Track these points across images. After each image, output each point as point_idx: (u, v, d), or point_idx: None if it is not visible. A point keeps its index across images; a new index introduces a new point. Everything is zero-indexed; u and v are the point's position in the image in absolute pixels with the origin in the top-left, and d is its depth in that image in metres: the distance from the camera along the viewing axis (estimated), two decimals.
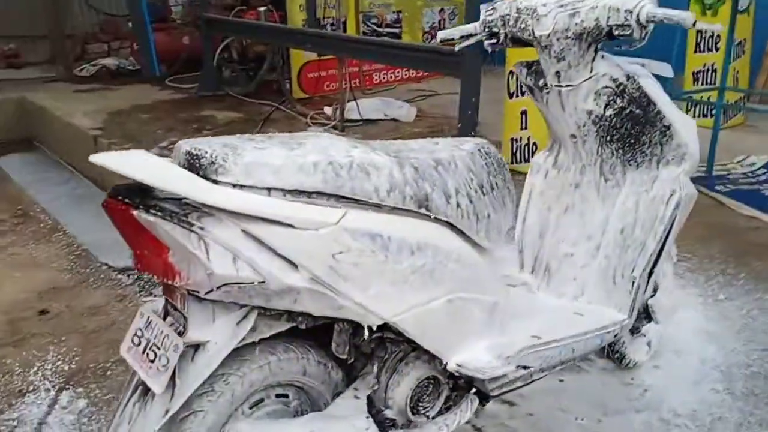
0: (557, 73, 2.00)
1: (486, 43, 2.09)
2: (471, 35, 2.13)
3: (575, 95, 2.01)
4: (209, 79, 7.09)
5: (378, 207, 1.50)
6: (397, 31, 7.56)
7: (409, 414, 1.71)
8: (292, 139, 1.54)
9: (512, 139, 4.68)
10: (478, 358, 1.70)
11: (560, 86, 2.02)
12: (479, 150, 1.79)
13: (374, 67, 7.08)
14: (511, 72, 4.59)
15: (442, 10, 7.76)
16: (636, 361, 2.44)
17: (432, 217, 1.60)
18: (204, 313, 1.41)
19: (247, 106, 6.58)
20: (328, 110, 6.13)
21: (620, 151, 2.09)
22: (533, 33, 1.96)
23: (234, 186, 1.35)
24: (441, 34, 2.19)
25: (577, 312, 2.11)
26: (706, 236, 3.54)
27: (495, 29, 2.05)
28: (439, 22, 7.77)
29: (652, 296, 2.31)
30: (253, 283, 1.34)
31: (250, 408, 1.60)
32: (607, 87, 1.99)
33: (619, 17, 1.84)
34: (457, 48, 2.18)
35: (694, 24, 1.83)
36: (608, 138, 2.07)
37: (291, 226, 1.35)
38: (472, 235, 1.69)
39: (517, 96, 4.59)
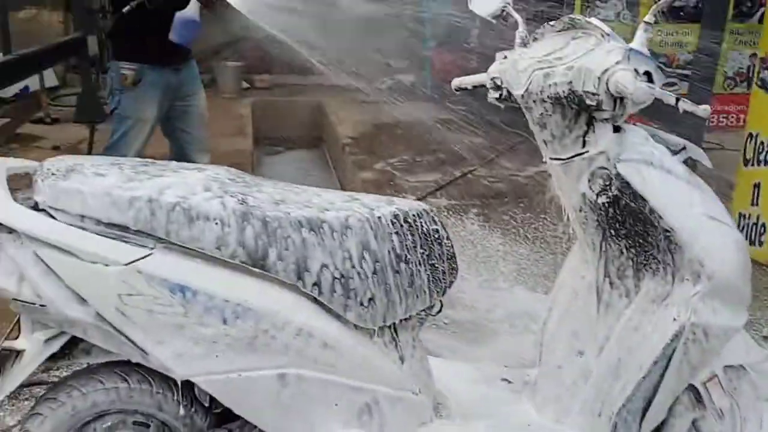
0: (544, 141, 1.65)
1: (489, 96, 1.78)
2: (483, 86, 1.84)
3: (566, 172, 1.64)
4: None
5: (210, 257, 1.41)
6: (689, 73, 6.75)
7: None
8: (171, 170, 1.53)
9: (740, 215, 3.91)
10: None
11: (550, 159, 1.66)
12: (395, 217, 1.56)
13: None
14: (750, 134, 3.85)
15: (754, 55, 6.71)
16: None
17: (281, 281, 1.45)
18: (27, 322, 1.48)
19: (500, 134, 6.47)
20: None
21: (632, 251, 1.65)
22: (511, 91, 1.64)
23: (51, 209, 1.39)
24: (455, 82, 1.93)
25: None
26: None
27: (498, 82, 1.74)
28: (749, 68, 6.73)
29: None
30: (34, 304, 1.37)
31: (104, 430, 1.62)
32: (603, 168, 1.58)
33: (590, 83, 1.45)
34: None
35: (676, 103, 1.37)
36: (613, 232, 1.65)
37: (77, 257, 1.35)
38: (341, 312, 1.49)
39: (753, 164, 3.82)
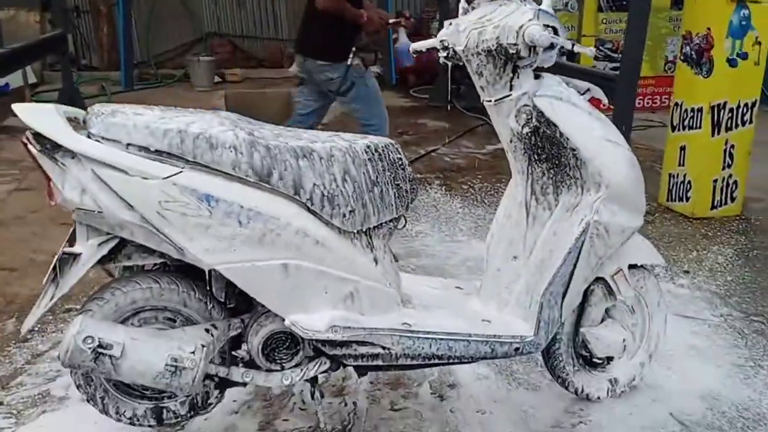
0: (481, 87, 2.11)
1: (440, 56, 2.24)
2: (435, 48, 2.29)
3: (499, 111, 2.10)
4: (440, 91, 7.64)
5: (228, 175, 1.85)
6: None
7: (262, 359, 2.01)
8: (189, 112, 1.96)
9: (669, 175, 4.46)
10: (313, 321, 1.93)
11: (486, 101, 2.12)
12: (368, 148, 2.01)
13: None
14: (676, 103, 4.38)
15: None
16: (588, 393, 2.37)
17: (283, 193, 1.88)
18: (82, 231, 1.88)
19: (461, 118, 6.97)
20: None
21: (551, 171, 2.12)
22: (455, 49, 2.10)
23: (103, 139, 1.81)
24: (412, 46, 2.39)
25: (487, 319, 2.18)
26: None
27: (446, 43, 2.20)
28: None
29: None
30: (93, 211, 1.79)
31: (139, 323, 2.03)
32: (526, 105, 2.05)
33: (511, 37, 1.92)
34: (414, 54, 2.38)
35: (573, 47, 1.85)
36: (536, 157, 2.12)
37: (126, 173, 1.77)
38: (328, 219, 1.93)
39: (679, 130, 4.35)
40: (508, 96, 2.06)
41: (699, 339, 2.84)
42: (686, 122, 4.28)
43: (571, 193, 2.10)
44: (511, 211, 2.24)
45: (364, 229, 2.01)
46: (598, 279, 2.21)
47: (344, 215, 1.95)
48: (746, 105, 4.17)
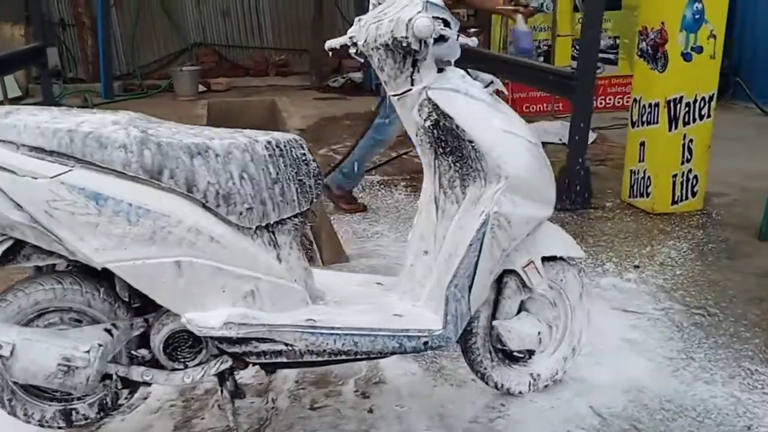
0: (385, 82, 2.11)
1: (351, 51, 2.24)
2: (347, 45, 2.29)
3: (403, 105, 2.10)
4: None
5: (119, 173, 1.85)
6: (612, 57, 7.33)
7: (164, 358, 2.01)
8: (88, 112, 1.96)
9: (631, 171, 4.43)
10: (207, 318, 1.93)
11: (391, 95, 2.12)
12: (269, 144, 2.01)
13: None
14: (635, 99, 4.36)
15: None
16: (509, 388, 2.35)
17: (176, 191, 1.88)
18: None
19: None
20: None
21: (457, 164, 2.11)
22: (358, 44, 2.11)
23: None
24: (327, 44, 2.39)
25: (399, 314, 2.17)
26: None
27: (354, 39, 2.20)
28: None
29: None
30: None
31: (45, 325, 2.03)
32: (427, 99, 2.04)
33: (402, 30, 1.92)
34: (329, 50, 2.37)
35: (458, 38, 1.85)
36: (441, 150, 2.11)
37: (14, 173, 1.78)
38: (225, 216, 1.93)
39: (638, 126, 4.33)
40: (409, 90, 2.05)
41: (636, 333, 2.82)
42: (644, 118, 4.26)
43: (476, 185, 2.09)
44: (423, 206, 2.24)
45: (264, 225, 2.01)
46: (511, 271, 2.20)
47: (241, 213, 1.95)
48: (703, 99, 4.14)
